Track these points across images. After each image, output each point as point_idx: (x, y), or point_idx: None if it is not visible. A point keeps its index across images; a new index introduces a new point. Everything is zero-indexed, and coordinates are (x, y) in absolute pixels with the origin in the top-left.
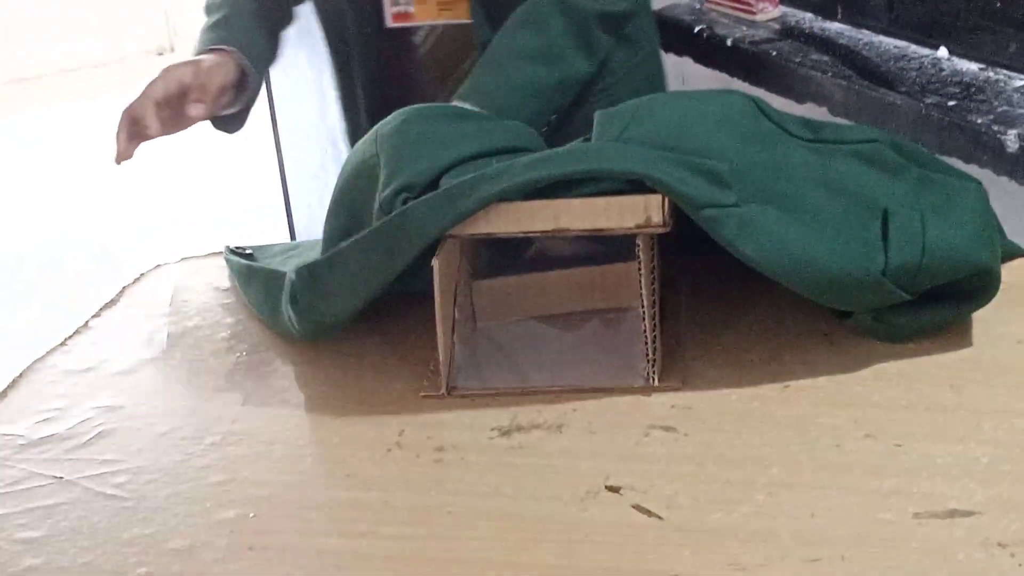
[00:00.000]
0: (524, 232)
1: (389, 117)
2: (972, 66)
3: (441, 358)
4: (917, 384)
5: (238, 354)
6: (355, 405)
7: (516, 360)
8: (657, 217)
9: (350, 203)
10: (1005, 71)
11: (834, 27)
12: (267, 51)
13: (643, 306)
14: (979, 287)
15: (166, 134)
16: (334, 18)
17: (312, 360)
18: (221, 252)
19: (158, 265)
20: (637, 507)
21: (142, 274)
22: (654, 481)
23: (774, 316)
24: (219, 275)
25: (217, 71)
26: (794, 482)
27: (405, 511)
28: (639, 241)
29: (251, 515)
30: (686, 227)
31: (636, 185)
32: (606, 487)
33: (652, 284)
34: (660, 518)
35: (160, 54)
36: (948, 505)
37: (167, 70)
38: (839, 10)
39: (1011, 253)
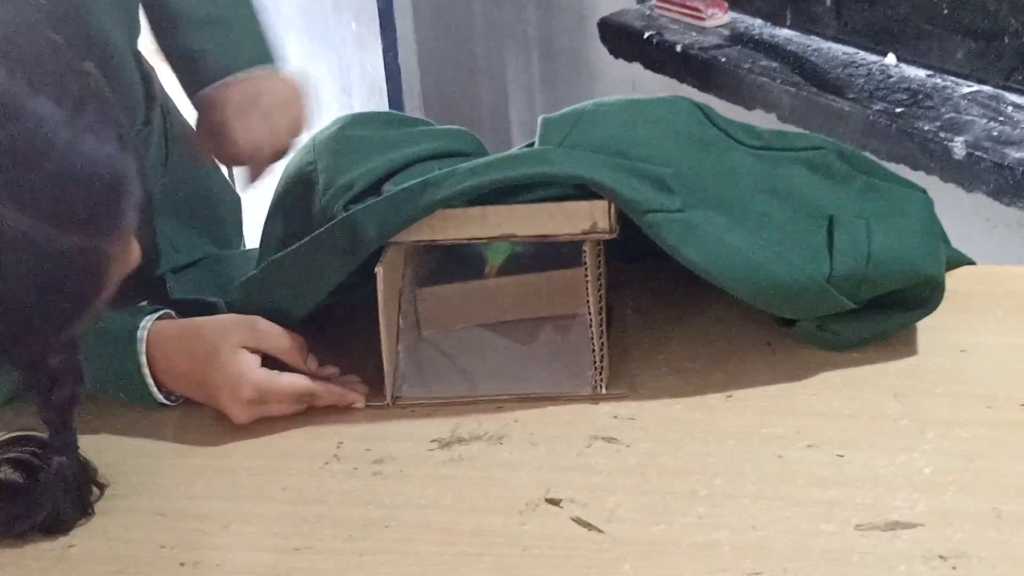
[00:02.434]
0: (470, 239)
1: (326, 124)
2: (920, 72)
3: (386, 367)
4: (861, 393)
5: None
6: (292, 417)
7: (462, 368)
8: (603, 223)
9: (286, 212)
10: (952, 78)
11: (783, 33)
12: None
13: (590, 313)
14: (924, 296)
15: None
16: None
17: None
18: None
19: None
20: (577, 520)
21: None
22: (595, 493)
23: (719, 325)
24: None
25: None
26: (736, 493)
27: (342, 525)
28: (585, 247)
29: (178, 528)
30: (632, 234)
31: (581, 191)
32: (546, 499)
33: (599, 291)
34: (600, 531)
35: None
36: (890, 517)
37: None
38: (788, 16)
39: (956, 262)
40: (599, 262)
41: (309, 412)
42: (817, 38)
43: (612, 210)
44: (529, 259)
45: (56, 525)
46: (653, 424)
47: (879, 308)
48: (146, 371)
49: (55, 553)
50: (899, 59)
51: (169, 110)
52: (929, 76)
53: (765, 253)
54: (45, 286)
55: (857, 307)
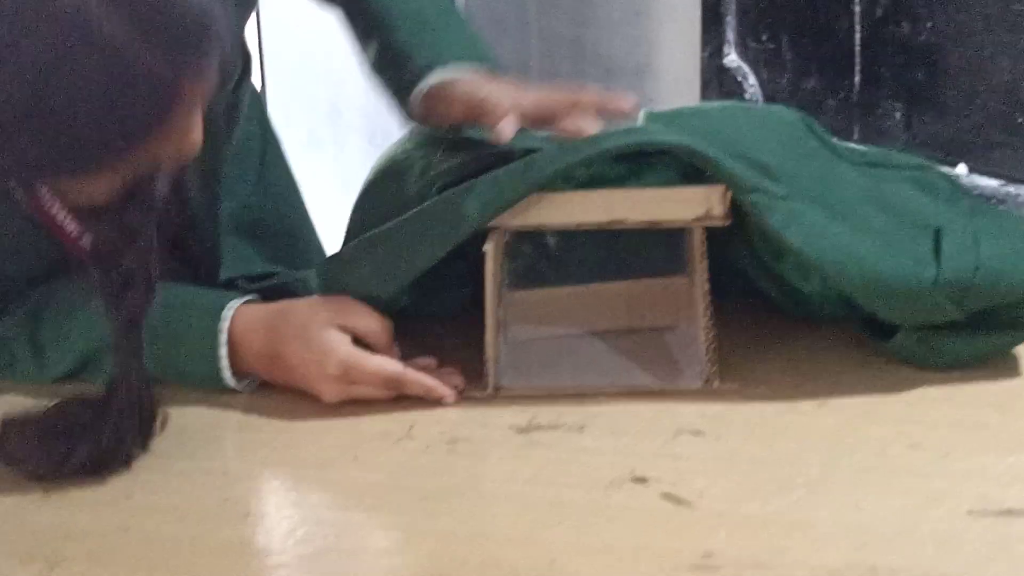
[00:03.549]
0: (576, 224)
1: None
2: (992, 182)
3: (489, 353)
4: (962, 406)
5: None
6: (362, 402)
7: (562, 362)
8: (718, 209)
9: (377, 200)
10: None
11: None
12: None
13: (700, 300)
14: None
15: None
16: None
17: None
18: None
19: None
20: (666, 495)
21: None
22: (684, 475)
23: (809, 347)
24: None
25: None
26: (835, 481)
27: (415, 491)
28: (698, 235)
29: (247, 489)
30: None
31: (687, 180)
32: (632, 478)
33: (707, 283)
34: (691, 505)
35: None
36: (1004, 505)
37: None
38: (856, 130)
39: None
40: (706, 252)
41: (377, 401)
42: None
43: (728, 196)
44: (619, 266)
45: (118, 449)
46: (741, 423)
47: (981, 327)
48: (223, 350)
49: (112, 504)
50: (970, 169)
51: (261, 116)
52: (1001, 185)
53: (871, 248)
54: (114, 100)
55: (960, 321)
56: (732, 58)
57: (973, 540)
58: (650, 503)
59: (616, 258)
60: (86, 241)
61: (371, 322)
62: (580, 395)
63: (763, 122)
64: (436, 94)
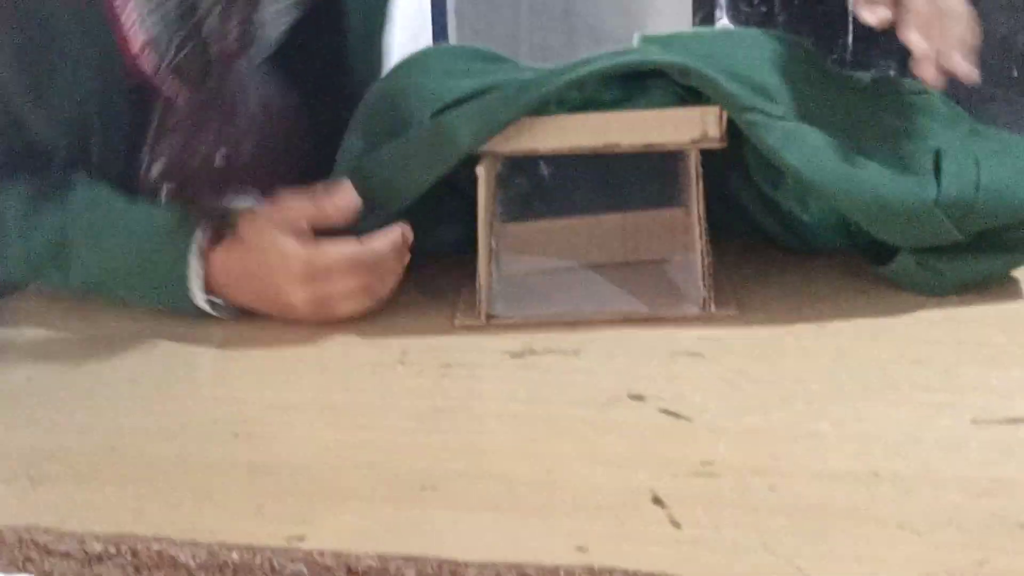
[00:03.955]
0: (569, 148)
1: (411, 54)
2: None
3: (481, 281)
4: (965, 326)
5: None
6: (351, 330)
7: (556, 291)
8: (714, 131)
9: (368, 128)
10: None
11: None
12: None
13: (697, 224)
14: None
15: None
16: None
17: None
18: None
19: None
20: (665, 411)
21: None
22: (682, 392)
23: (808, 277)
24: None
25: None
26: (837, 395)
27: (410, 411)
28: (693, 157)
29: (235, 411)
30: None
31: (683, 102)
32: (629, 395)
33: (702, 202)
34: (690, 420)
35: None
36: (1009, 414)
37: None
38: None
39: None
40: (702, 176)
41: (369, 326)
42: None
43: (724, 117)
44: (614, 197)
45: None
46: (740, 346)
47: (981, 250)
48: (194, 261)
49: (99, 427)
50: None
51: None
52: None
53: (870, 168)
54: None
55: (960, 244)
56: (724, 22)
57: (977, 446)
58: (648, 418)
59: (612, 190)
60: (148, 59)
61: (300, 199)
62: (575, 323)
63: (761, 46)
64: None
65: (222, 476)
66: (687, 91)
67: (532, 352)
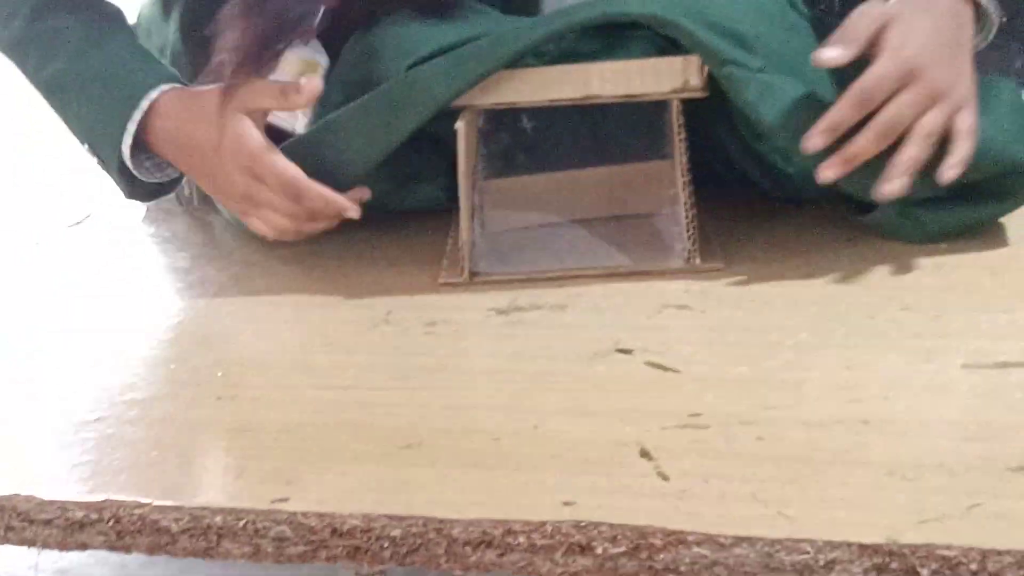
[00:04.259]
0: (551, 100)
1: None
2: None
3: (463, 237)
4: (953, 271)
5: (212, 258)
6: (334, 288)
7: (540, 247)
8: (695, 80)
9: (346, 80)
10: None
11: None
12: None
13: (680, 175)
14: (1012, 187)
15: None
16: None
17: (290, 262)
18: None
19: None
20: (651, 363)
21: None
22: (669, 345)
23: (791, 226)
24: (195, 213)
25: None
26: (825, 343)
27: (394, 370)
28: (675, 107)
29: (219, 374)
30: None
31: (661, 52)
32: (616, 349)
33: (685, 154)
34: (677, 371)
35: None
36: (999, 359)
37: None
38: None
39: None
40: (684, 126)
41: (353, 286)
42: None
43: (705, 67)
44: (599, 153)
45: None
46: (727, 297)
47: (965, 198)
48: (134, 119)
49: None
50: None
51: None
52: None
53: None
54: None
55: (942, 194)
56: None
57: (968, 391)
58: (635, 371)
59: (596, 143)
60: None
61: (273, 88)
62: (560, 278)
63: None
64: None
65: (204, 439)
66: (668, 41)
67: (518, 308)
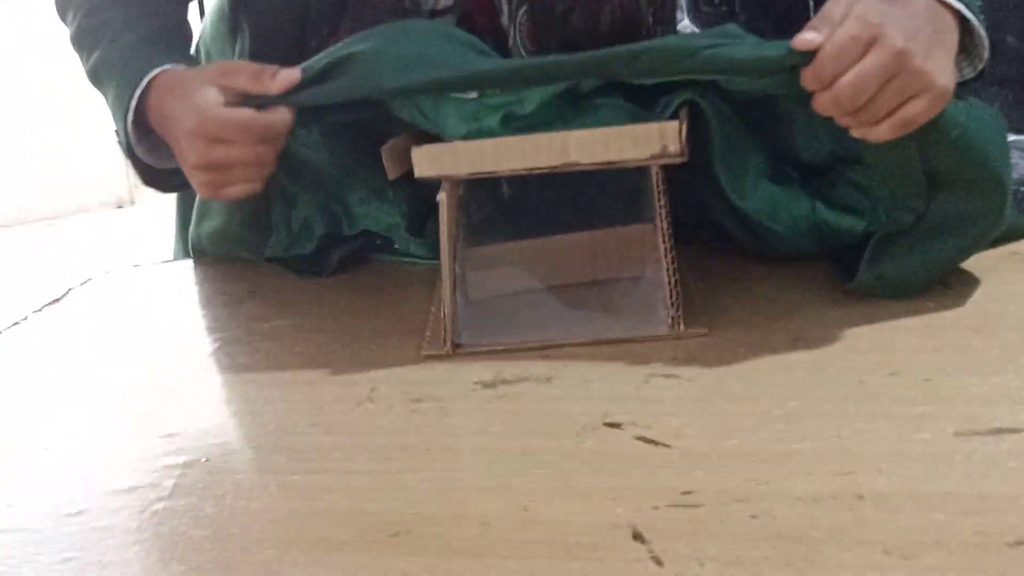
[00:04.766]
0: (529, 168)
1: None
2: None
3: (447, 310)
4: (941, 331)
5: (194, 334)
6: (321, 369)
7: (523, 317)
8: (674, 146)
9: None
10: None
11: None
12: None
13: (662, 241)
14: (984, 209)
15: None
16: None
17: (272, 337)
18: (172, 261)
19: (107, 271)
20: (641, 438)
21: (89, 279)
22: (659, 417)
23: (781, 288)
24: (174, 279)
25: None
26: (815, 412)
27: (378, 451)
28: (654, 173)
29: (203, 459)
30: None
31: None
32: (604, 423)
33: (668, 225)
34: (668, 446)
35: (119, 206)
36: (992, 424)
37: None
38: None
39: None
40: (665, 192)
41: (335, 361)
42: None
43: (683, 131)
44: (580, 218)
45: None
46: (715, 362)
47: (930, 236)
48: (135, 96)
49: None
50: None
51: None
52: None
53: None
54: None
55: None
56: (685, 24)
57: (962, 460)
58: (625, 446)
59: (577, 208)
60: None
61: (248, 67)
62: (545, 347)
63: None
64: None
65: (189, 530)
66: (639, 105)
67: (503, 381)
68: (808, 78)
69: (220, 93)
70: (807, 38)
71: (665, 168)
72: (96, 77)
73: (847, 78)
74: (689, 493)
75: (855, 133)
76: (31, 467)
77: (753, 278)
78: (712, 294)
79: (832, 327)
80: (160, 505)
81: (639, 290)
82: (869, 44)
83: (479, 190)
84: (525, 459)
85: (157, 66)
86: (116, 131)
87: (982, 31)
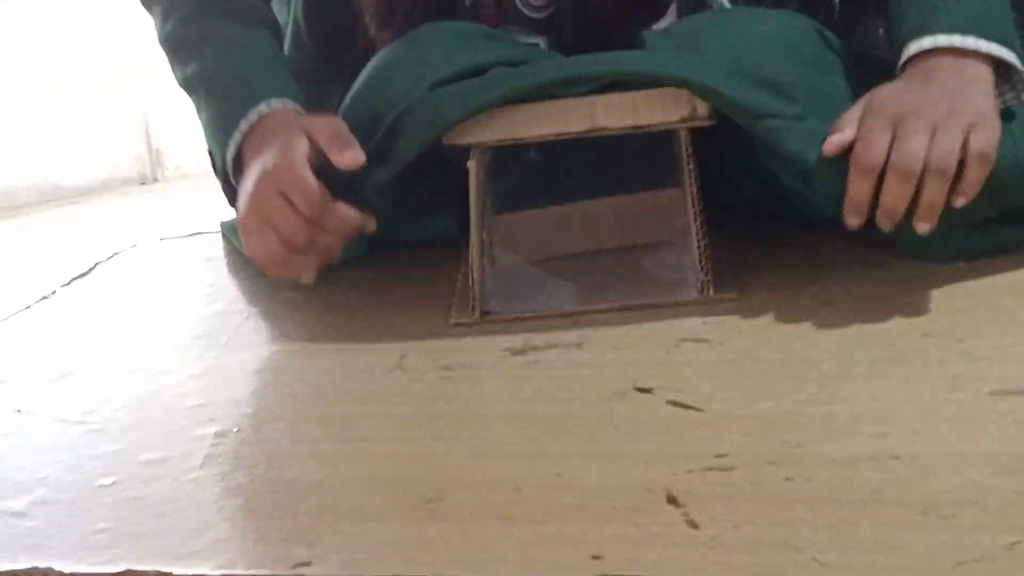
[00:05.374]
0: (557, 134)
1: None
2: None
3: (475, 276)
4: (975, 291)
5: (222, 305)
6: (350, 339)
7: (551, 285)
8: (703, 109)
9: (367, 103)
10: None
11: None
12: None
13: (691, 206)
14: None
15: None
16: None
17: (301, 307)
18: (199, 233)
19: (134, 244)
20: (673, 402)
21: (116, 252)
22: (690, 381)
23: (805, 249)
24: (200, 252)
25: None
26: (848, 374)
27: (408, 418)
28: (683, 137)
29: (235, 430)
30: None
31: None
32: (635, 388)
33: (697, 189)
34: (700, 410)
35: (143, 183)
36: None
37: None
38: None
39: None
40: (694, 156)
41: (365, 330)
42: None
43: None
44: (609, 183)
45: None
46: (746, 327)
47: (1000, 221)
48: (241, 128)
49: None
50: None
51: None
52: None
53: None
54: None
55: (991, 215)
56: None
57: (997, 420)
58: (657, 411)
59: (606, 173)
60: None
61: (329, 126)
62: (573, 315)
63: (778, 38)
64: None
65: (222, 500)
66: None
67: (534, 348)
68: (855, 173)
69: (309, 145)
70: (835, 140)
71: (694, 132)
72: (191, 88)
73: (893, 159)
74: (723, 456)
75: (957, 204)
76: (63, 439)
77: (781, 240)
78: (740, 257)
79: (862, 289)
80: (192, 475)
81: (668, 255)
82: (894, 125)
83: (507, 157)
84: (557, 424)
85: (260, 99)
86: (210, 151)
87: (1019, 64)
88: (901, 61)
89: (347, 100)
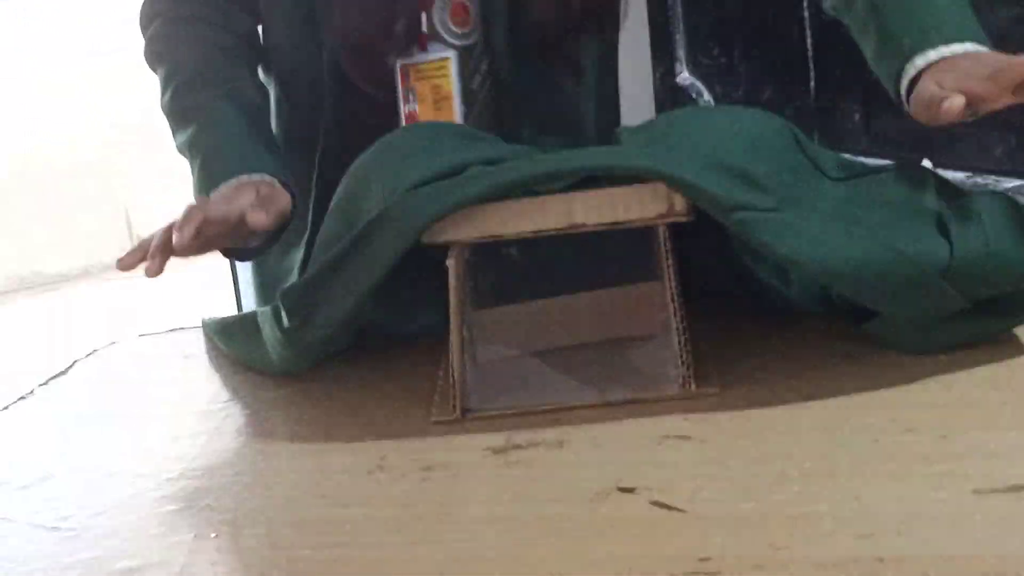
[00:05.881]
0: (535, 231)
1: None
2: (958, 175)
3: (456, 374)
4: (955, 385)
5: (202, 404)
6: (331, 438)
7: (532, 381)
8: (680, 205)
9: (344, 210)
10: (993, 176)
11: None
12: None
13: (671, 300)
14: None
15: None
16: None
17: (281, 406)
18: (178, 329)
19: (113, 342)
20: (656, 503)
21: (95, 349)
22: (673, 481)
23: (791, 342)
24: (179, 348)
25: (280, 198)
26: (832, 472)
27: (388, 522)
28: (662, 232)
29: (212, 535)
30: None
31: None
32: (618, 488)
33: (675, 278)
34: (683, 511)
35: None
36: (1010, 482)
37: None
38: (816, 135)
39: None
40: (673, 251)
41: (345, 428)
42: (848, 155)
43: None
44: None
45: None
46: (728, 423)
47: (977, 311)
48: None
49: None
50: (935, 164)
51: None
52: (968, 177)
53: (872, 246)
54: None
55: (965, 307)
56: (684, 76)
57: (982, 519)
58: (640, 512)
59: (585, 268)
60: None
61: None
62: (555, 411)
63: (751, 136)
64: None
65: None
66: None
67: (515, 447)
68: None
69: (222, 202)
70: (953, 103)
71: (672, 226)
72: (186, 152)
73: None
74: (707, 560)
75: None
76: (40, 546)
77: (762, 333)
78: (721, 351)
79: (844, 384)
80: None
81: (649, 349)
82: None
83: (486, 253)
84: (540, 527)
85: (232, 175)
86: None
87: None
88: (906, 80)
89: (328, 214)
